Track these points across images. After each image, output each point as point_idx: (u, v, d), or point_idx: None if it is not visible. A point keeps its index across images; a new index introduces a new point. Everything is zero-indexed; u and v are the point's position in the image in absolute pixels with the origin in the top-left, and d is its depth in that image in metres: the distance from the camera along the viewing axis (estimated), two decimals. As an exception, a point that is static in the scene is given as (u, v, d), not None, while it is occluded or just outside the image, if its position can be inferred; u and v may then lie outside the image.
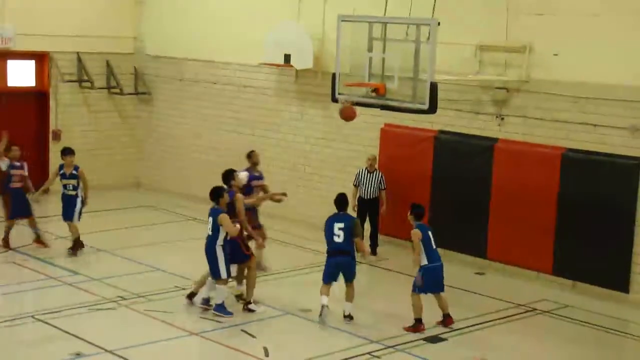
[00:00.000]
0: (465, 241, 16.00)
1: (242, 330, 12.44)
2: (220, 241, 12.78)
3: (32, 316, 12.72)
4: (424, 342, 12.31)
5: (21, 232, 16.27)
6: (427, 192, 16.45)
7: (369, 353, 11.84)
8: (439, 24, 13.12)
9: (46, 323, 12.47)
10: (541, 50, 15.03)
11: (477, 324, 12.96)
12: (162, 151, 21.88)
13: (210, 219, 12.87)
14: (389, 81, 13.88)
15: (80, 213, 15.90)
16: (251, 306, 13.12)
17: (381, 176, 16.49)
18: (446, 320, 12.79)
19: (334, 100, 14.66)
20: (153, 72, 21.78)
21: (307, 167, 18.68)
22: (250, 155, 15.22)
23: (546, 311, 13.88)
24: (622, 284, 14.26)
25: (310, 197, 18.33)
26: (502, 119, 15.67)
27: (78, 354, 11.41)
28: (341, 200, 13.18)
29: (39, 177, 17.85)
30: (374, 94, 14.02)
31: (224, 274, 12.83)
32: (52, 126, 21.11)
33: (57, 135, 21.09)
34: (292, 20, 18.23)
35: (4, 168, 16.03)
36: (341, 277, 13.06)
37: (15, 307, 13.30)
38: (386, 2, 14.78)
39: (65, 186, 15.86)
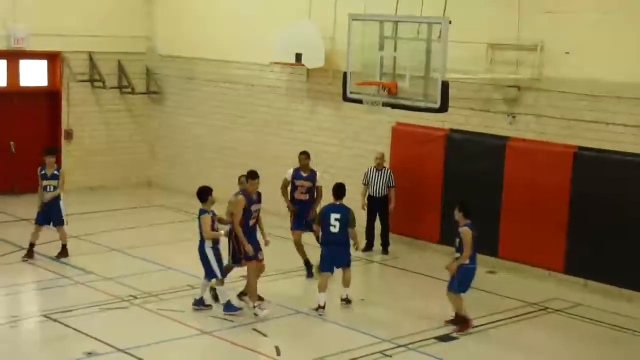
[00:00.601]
0: (476, 239, 15.92)
1: (254, 329, 12.45)
2: (209, 242, 12.79)
3: (45, 315, 12.78)
4: (436, 340, 12.30)
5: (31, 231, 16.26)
6: (438, 190, 16.45)
7: (380, 352, 11.83)
8: (450, 22, 13.12)
9: (59, 322, 12.51)
10: (552, 48, 14.99)
11: (489, 323, 12.95)
12: (173, 150, 21.92)
13: (197, 220, 12.94)
14: (400, 80, 13.88)
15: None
16: (256, 310, 12.92)
17: (390, 174, 16.50)
18: (457, 321, 12.74)
19: (346, 99, 14.68)
20: (164, 71, 21.83)
21: (318, 166, 18.67)
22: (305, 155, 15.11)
23: (558, 310, 13.85)
24: (634, 283, 14.21)
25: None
26: (514, 117, 15.64)
27: (90, 353, 11.44)
28: (339, 189, 13.45)
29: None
30: (385, 93, 14.03)
31: (218, 274, 12.86)
32: (64, 126, 21.19)
33: (69, 135, 21.17)
34: (303, 19, 18.23)
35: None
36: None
37: (28, 306, 13.35)
38: (397, 1, 14.75)
39: (45, 187, 15.33)
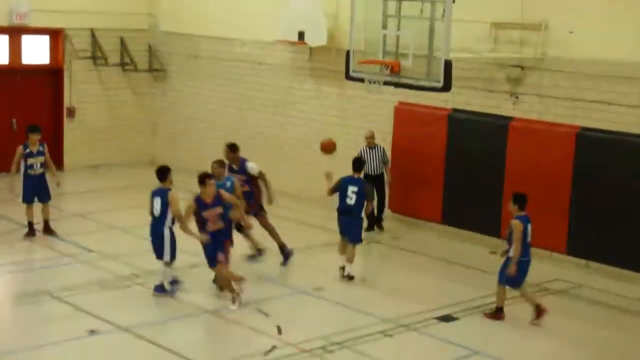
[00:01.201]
0: (479, 220, 15.96)
1: (257, 309, 12.48)
2: (169, 222, 12.67)
3: (49, 294, 12.81)
4: (437, 321, 12.33)
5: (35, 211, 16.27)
6: (440, 170, 16.42)
7: (382, 332, 11.87)
8: (453, 1, 13.02)
9: (62, 300, 12.56)
10: (557, 27, 14.91)
11: (491, 303, 12.94)
12: (176, 128, 21.88)
13: (158, 198, 12.70)
14: (404, 59, 13.84)
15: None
16: (229, 305, 12.47)
17: (383, 150, 16.50)
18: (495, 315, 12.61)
19: (348, 77, 14.63)
20: (167, 49, 21.75)
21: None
22: None
23: (559, 290, 13.86)
24: (636, 264, 14.21)
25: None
26: (517, 97, 15.58)
27: (93, 331, 11.51)
28: (358, 162, 14.06)
29: (54, 154, 17.85)
30: (388, 72, 13.98)
31: (167, 257, 12.73)
32: (66, 103, 21.15)
33: (71, 112, 21.13)
34: (307, -3, 18.13)
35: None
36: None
37: (32, 285, 13.38)
38: (401, -21, 14.68)
39: (31, 166, 15.28)
